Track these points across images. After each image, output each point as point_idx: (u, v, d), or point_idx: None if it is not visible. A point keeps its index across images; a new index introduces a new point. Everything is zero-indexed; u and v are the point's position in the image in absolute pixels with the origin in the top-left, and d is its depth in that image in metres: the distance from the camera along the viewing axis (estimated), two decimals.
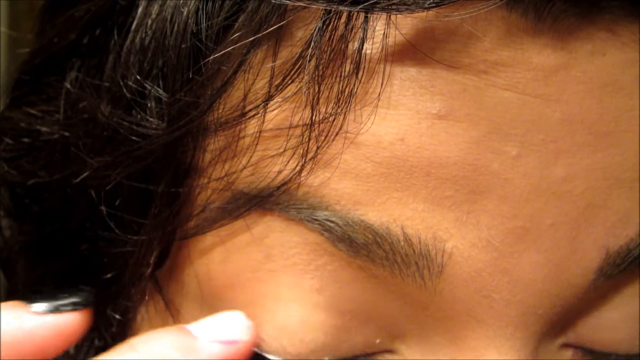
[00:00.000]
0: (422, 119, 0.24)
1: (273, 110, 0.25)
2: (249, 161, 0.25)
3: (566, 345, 0.28)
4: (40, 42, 0.30)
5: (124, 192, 0.27)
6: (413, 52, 0.24)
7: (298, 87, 0.24)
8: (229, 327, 0.25)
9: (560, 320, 0.27)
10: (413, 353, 0.27)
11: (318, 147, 0.24)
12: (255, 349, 0.26)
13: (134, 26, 0.26)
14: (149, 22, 0.26)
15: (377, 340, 0.26)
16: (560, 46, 0.25)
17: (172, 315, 0.28)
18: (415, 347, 0.27)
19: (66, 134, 0.28)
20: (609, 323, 0.28)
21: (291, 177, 0.25)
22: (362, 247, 0.25)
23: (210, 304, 0.27)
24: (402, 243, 0.25)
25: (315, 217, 0.25)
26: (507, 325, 0.26)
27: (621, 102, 0.25)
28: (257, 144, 0.25)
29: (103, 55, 0.27)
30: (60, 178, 0.29)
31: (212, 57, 0.25)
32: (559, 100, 0.25)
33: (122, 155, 0.26)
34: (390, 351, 0.27)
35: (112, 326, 0.30)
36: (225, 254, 0.26)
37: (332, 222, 0.25)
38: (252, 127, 0.25)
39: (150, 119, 0.26)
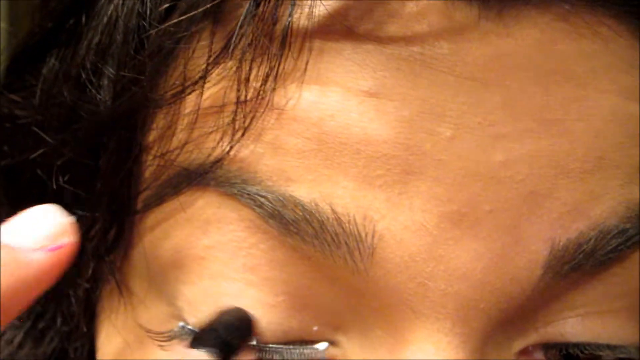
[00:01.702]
0: (352, 96, 0.24)
1: (209, 88, 0.25)
2: (188, 138, 0.26)
3: (528, 351, 0.27)
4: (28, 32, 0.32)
5: (77, 169, 0.28)
6: (347, 30, 0.24)
7: (231, 65, 0.25)
8: (49, 227, 0.24)
9: (512, 321, 0.26)
10: (353, 346, 0.26)
11: (247, 124, 0.25)
12: (192, 327, 0.26)
13: (97, 11, 0.28)
14: (109, 7, 0.27)
15: (315, 328, 0.26)
16: (506, 33, 0.25)
17: (124, 296, 0.29)
18: (356, 340, 0.26)
19: (39, 117, 0.29)
20: (576, 328, 0.27)
21: (224, 153, 0.25)
22: (292, 224, 0.25)
23: (157, 283, 0.27)
24: (332, 221, 0.24)
25: (247, 192, 0.25)
26: (445, 318, 0.25)
27: (571, 91, 0.25)
28: (195, 122, 0.26)
29: (76, 42, 0.29)
30: (29, 159, 0.30)
31: (152, 31, 0.26)
32: (500, 85, 0.24)
33: (75, 131, 0.27)
34: (332, 343, 0.26)
35: (71, 305, 0.30)
36: (168, 230, 0.27)
37: (263, 197, 0.25)
38: (190, 104, 0.26)
39: (100, 97, 0.27)
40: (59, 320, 0.33)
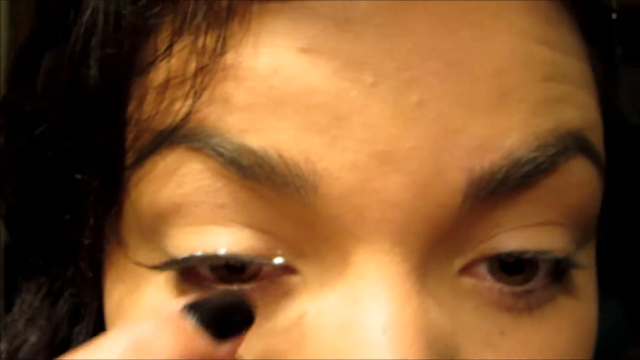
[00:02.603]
0: (291, 53, 0.28)
1: (175, 58, 0.29)
2: (160, 104, 0.30)
3: (470, 268, 0.30)
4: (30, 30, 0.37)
5: (73, 140, 0.33)
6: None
7: (190, 36, 0.29)
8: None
9: (447, 240, 0.29)
10: (312, 271, 0.29)
11: (205, 86, 0.29)
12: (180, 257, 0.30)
13: (83, 6, 0.32)
14: (91, 1, 0.32)
15: (279, 251, 0.29)
16: None
17: (122, 248, 0.32)
18: (313, 266, 0.29)
19: (41, 104, 0.34)
20: (506, 242, 0.30)
21: (187, 114, 0.29)
22: (247, 169, 0.28)
23: (147, 233, 0.31)
24: (279, 164, 0.28)
25: (209, 144, 0.29)
26: (384, 241, 0.28)
27: (472, 33, 0.28)
28: (165, 90, 0.30)
29: (68, 35, 0.33)
30: (32, 136, 0.34)
31: (126, 13, 0.30)
32: (412, 32, 0.28)
33: (71, 106, 0.32)
34: (294, 271, 0.30)
35: (80, 265, 0.34)
36: (150, 186, 0.31)
37: (222, 147, 0.28)
38: (161, 75, 0.30)
39: (89, 74, 0.31)
40: (70, 281, 0.37)
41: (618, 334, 0.47)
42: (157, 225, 0.31)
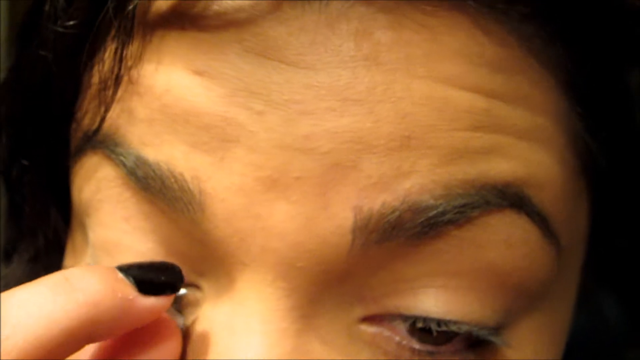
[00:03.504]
0: (185, 74, 0.28)
1: (103, 65, 0.30)
2: (87, 107, 0.31)
3: (374, 319, 0.29)
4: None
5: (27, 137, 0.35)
6: (185, 20, 0.28)
7: (115, 44, 0.29)
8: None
9: (341, 285, 0.28)
10: (210, 290, 0.30)
11: (115, 97, 0.30)
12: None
13: None
14: None
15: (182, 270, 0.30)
16: (327, 23, 0.27)
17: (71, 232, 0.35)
18: (211, 285, 0.30)
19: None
20: (409, 301, 0.28)
21: (101, 121, 0.30)
22: (143, 181, 0.29)
23: (79, 222, 0.33)
24: (170, 179, 0.28)
25: (115, 153, 0.30)
26: (267, 271, 0.28)
27: (378, 76, 0.27)
28: (93, 94, 0.31)
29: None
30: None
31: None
32: (309, 69, 0.27)
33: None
34: (197, 286, 0.30)
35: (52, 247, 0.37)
36: (80, 184, 0.32)
37: (124, 157, 0.29)
38: (95, 74, 0.31)
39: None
40: (44, 251, 0.39)
41: (618, 334, 0.47)
42: (82, 218, 0.32)
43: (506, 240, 0.28)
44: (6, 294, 0.25)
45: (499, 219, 0.28)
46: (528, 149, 0.29)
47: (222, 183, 0.28)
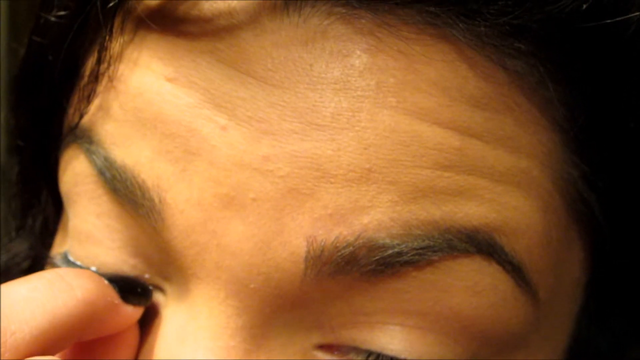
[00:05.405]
0: (157, 79, 0.28)
1: (93, 54, 0.30)
2: (74, 101, 0.31)
3: (330, 348, 0.28)
4: None
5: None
6: (162, 25, 0.28)
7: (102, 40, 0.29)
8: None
9: (296, 311, 0.27)
10: (173, 295, 0.29)
11: (93, 94, 0.29)
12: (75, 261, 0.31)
13: None
14: None
15: (146, 275, 0.30)
16: (303, 41, 0.26)
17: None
18: (174, 290, 0.29)
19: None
20: (366, 336, 0.28)
21: (80, 116, 0.30)
22: (110, 182, 0.29)
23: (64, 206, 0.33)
24: (134, 183, 0.28)
25: (89, 151, 0.29)
26: (220, 288, 0.27)
27: (345, 101, 0.26)
28: (79, 90, 0.31)
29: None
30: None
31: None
32: (277, 87, 0.26)
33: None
34: (162, 289, 0.30)
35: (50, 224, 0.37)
36: (60, 175, 0.32)
37: (95, 155, 0.29)
38: (87, 68, 0.30)
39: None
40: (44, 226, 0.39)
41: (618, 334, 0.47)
42: (65, 206, 0.32)
43: (472, 287, 0.27)
44: (5, 289, 0.26)
45: (466, 264, 0.27)
46: (505, 193, 0.27)
47: (182, 195, 0.27)
